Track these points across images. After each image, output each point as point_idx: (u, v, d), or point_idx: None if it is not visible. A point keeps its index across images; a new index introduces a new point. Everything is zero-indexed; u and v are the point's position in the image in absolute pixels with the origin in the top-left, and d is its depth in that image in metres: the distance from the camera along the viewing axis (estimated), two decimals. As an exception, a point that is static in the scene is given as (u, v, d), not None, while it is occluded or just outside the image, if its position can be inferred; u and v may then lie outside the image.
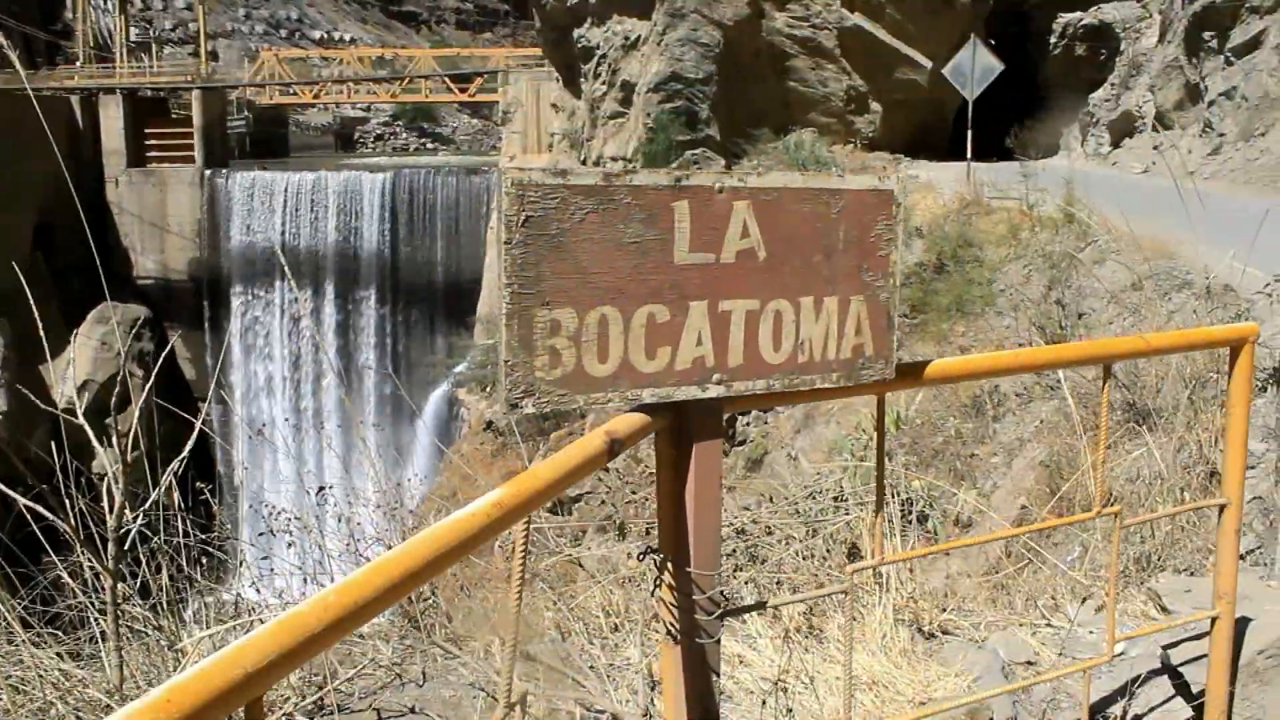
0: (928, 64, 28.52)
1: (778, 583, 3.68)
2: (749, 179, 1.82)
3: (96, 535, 2.67)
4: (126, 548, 2.70)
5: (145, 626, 2.89)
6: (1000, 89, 21.68)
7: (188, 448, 2.89)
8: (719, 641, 1.94)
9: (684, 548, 1.88)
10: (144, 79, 46.96)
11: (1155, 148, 26.50)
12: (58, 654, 2.67)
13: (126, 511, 2.66)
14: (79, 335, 39.44)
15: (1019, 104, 28.22)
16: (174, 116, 45.88)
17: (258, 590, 4.09)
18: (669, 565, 1.91)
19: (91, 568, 2.70)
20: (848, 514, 4.32)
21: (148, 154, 43.39)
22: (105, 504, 2.64)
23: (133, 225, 42.49)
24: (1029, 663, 3.39)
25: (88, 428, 2.79)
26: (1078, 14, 30.08)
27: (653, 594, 1.98)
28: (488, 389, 29.31)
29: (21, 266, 32.39)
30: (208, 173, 41.60)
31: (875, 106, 30.09)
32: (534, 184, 1.64)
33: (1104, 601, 3.94)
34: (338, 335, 40.29)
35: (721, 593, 1.91)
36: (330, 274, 40.01)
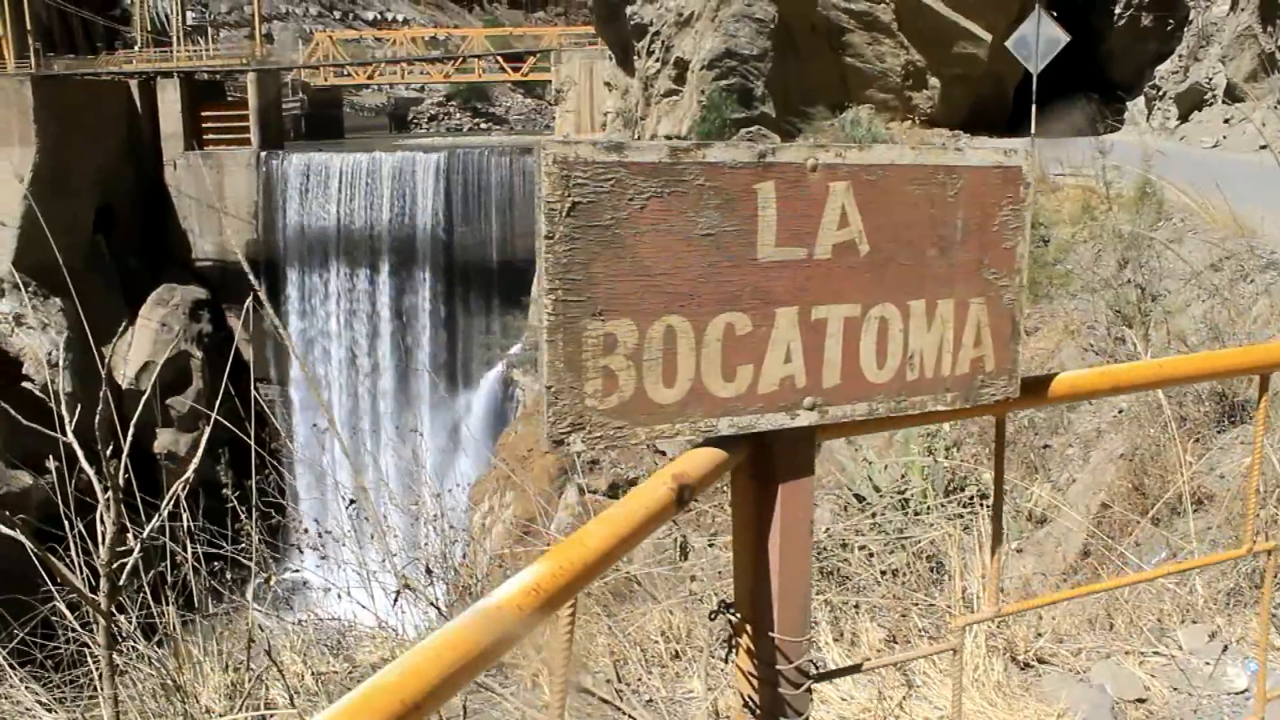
0: (987, 37, 27.77)
1: (856, 606, 3.33)
2: (848, 154, 1.46)
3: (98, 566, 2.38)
4: (124, 580, 2.42)
5: (146, 664, 2.62)
6: (1063, 62, 20.96)
7: (193, 465, 2.61)
8: (808, 718, 1.60)
9: (766, 608, 1.54)
10: (200, 62, 47.18)
11: (1226, 121, 25.61)
12: (46, 701, 2.40)
13: (130, 539, 2.38)
14: (139, 317, 39.89)
15: (1082, 77, 27.39)
16: (230, 99, 46.14)
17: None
18: (747, 628, 1.57)
19: (82, 599, 2.42)
20: (931, 523, 3.95)
21: (204, 136, 43.62)
22: (100, 533, 2.37)
23: (190, 207, 42.78)
24: (1139, 700, 3.01)
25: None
26: (1145, -18, 29.09)
27: (726, 659, 1.64)
28: (541, 371, 29.09)
29: (83, 249, 32.69)
30: (263, 154, 41.71)
31: (934, 82, 29.37)
32: (583, 161, 1.29)
33: (1217, 626, 3.55)
34: (393, 315, 40.31)
35: (812, 662, 1.56)
36: (385, 254, 39.99)
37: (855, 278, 1.49)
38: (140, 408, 3.45)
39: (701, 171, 1.36)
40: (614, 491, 17.40)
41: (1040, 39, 20.18)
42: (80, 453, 2.38)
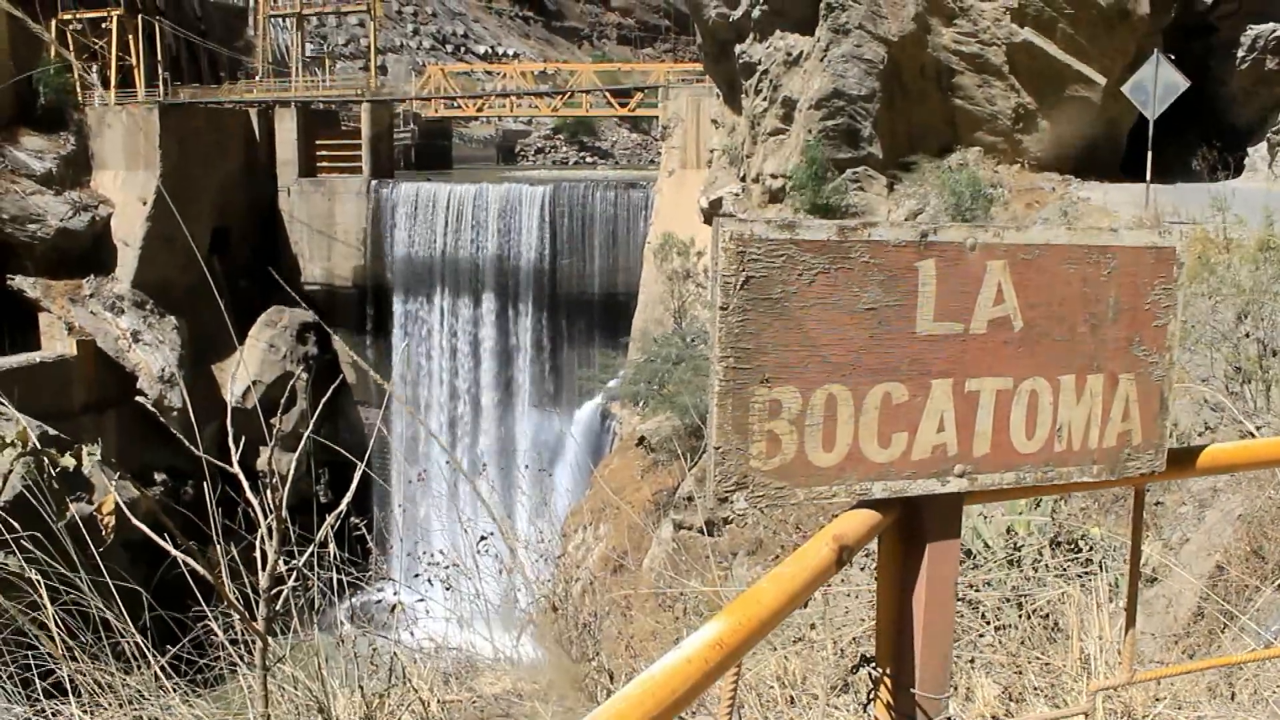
0: (1101, 80, 27.28)
1: (971, 661, 3.33)
2: (1006, 234, 1.53)
3: (249, 585, 2.53)
4: (280, 608, 2.56)
5: (293, 686, 2.75)
6: (1180, 105, 20.47)
7: (348, 497, 2.74)
8: (945, 775, 1.64)
9: (907, 663, 1.60)
10: (317, 92, 48.64)
11: (1353, 170, 24.82)
12: (203, 716, 2.53)
13: (280, 565, 2.51)
14: (249, 337, 41.14)
15: (1200, 121, 26.77)
16: (344, 128, 47.43)
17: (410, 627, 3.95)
18: (887, 682, 1.63)
19: (242, 621, 2.56)
20: (1042, 580, 3.93)
21: (318, 164, 44.87)
22: (258, 559, 2.51)
23: (301, 232, 44.01)
24: (1265, 773, 2.96)
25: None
26: (1270, 25, 28.30)
27: (865, 708, 1.69)
28: (639, 404, 29.25)
29: (199, 270, 33.89)
30: (374, 183, 42.76)
31: (1044, 124, 28.93)
32: (757, 239, 1.38)
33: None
34: (494, 344, 40.90)
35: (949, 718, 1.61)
36: (489, 285, 40.63)
37: (1008, 352, 1.55)
38: (271, 432, 3.61)
39: (866, 249, 1.44)
40: (709, 529, 17.34)
41: (1159, 84, 19.73)
42: (245, 484, 2.54)
